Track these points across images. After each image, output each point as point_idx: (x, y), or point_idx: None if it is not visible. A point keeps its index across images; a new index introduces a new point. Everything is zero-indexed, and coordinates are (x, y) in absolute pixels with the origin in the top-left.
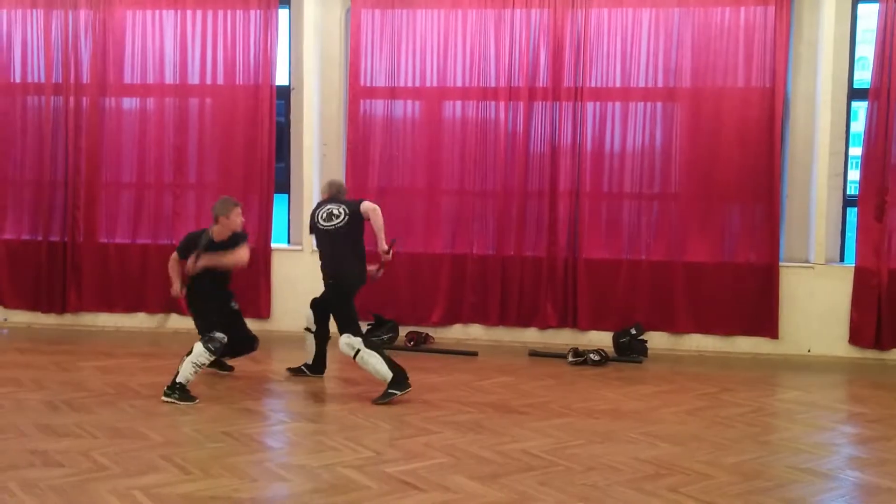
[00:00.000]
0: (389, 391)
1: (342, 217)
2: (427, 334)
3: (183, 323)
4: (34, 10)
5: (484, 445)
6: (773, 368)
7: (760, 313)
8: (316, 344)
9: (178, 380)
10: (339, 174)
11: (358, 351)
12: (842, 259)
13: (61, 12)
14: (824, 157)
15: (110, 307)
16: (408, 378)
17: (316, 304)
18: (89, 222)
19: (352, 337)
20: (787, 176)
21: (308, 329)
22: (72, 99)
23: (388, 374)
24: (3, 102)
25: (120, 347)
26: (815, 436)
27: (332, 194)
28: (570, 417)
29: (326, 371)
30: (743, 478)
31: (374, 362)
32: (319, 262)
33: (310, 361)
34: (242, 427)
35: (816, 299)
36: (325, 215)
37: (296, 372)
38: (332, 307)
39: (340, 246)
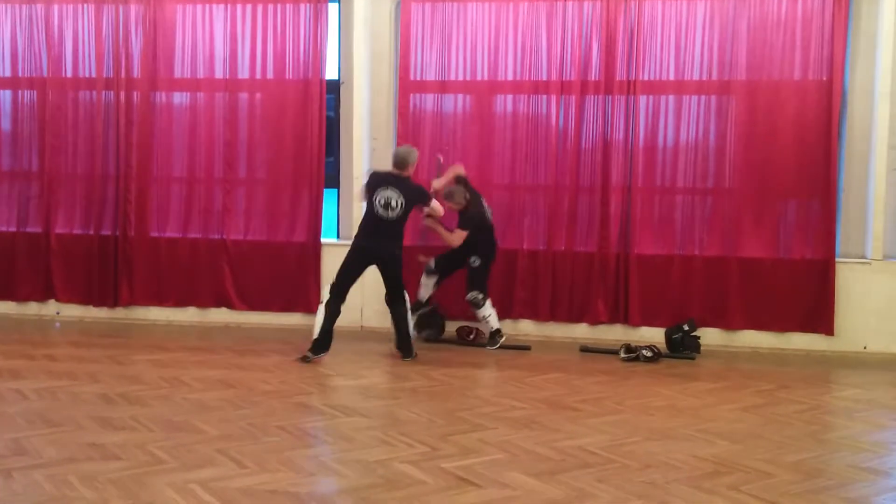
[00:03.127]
0: (308, 351)
1: (398, 209)
2: (477, 329)
3: (232, 317)
4: (85, 5)
5: (539, 442)
6: (828, 365)
7: (816, 310)
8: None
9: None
10: (388, 168)
11: (321, 302)
12: None
13: (112, 7)
14: (882, 152)
15: (161, 301)
16: (324, 351)
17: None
18: (140, 216)
19: (327, 291)
20: (843, 171)
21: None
22: (122, 94)
23: (314, 336)
24: (54, 97)
25: (172, 341)
26: (875, 434)
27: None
28: (624, 414)
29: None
30: (804, 476)
31: (318, 320)
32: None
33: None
34: (297, 421)
35: (873, 295)
36: (382, 202)
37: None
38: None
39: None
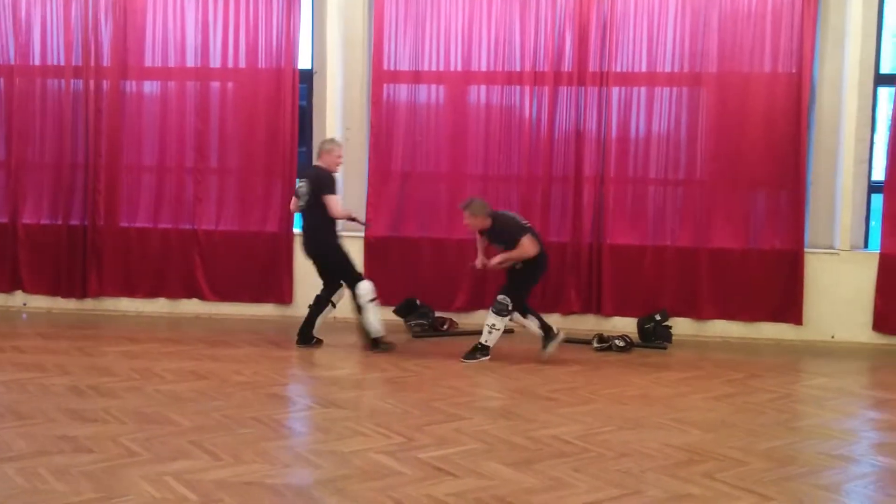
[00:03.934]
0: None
1: (305, 196)
2: (451, 319)
3: (203, 308)
4: None
5: (515, 431)
6: (797, 355)
7: (785, 299)
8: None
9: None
10: (362, 159)
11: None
12: (866, 245)
13: None
14: (850, 144)
15: (131, 292)
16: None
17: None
18: (110, 206)
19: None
20: (812, 162)
21: None
22: (92, 82)
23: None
24: (22, 85)
25: (142, 332)
26: (845, 422)
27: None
28: (598, 403)
29: (348, 356)
30: (776, 464)
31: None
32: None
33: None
34: (271, 413)
35: (841, 286)
36: (296, 192)
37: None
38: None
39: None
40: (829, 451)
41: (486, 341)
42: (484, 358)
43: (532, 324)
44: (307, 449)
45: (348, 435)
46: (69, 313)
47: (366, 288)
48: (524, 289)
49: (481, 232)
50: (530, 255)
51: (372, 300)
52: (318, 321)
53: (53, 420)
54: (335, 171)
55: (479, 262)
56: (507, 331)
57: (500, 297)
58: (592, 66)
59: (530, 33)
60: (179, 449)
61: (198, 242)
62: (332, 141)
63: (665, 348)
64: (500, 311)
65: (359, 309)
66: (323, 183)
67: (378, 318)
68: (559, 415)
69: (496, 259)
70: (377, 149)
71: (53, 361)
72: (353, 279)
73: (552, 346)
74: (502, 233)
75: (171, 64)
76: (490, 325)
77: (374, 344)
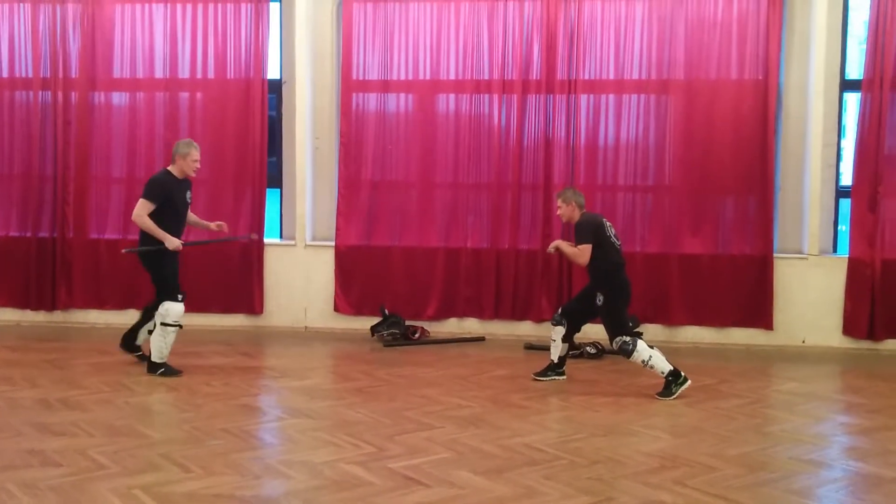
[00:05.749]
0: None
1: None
2: (422, 328)
3: None
4: (21, 4)
5: (486, 440)
6: (768, 359)
7: (755, 304)
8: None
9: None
10: (331, 168)
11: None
12: (835, 250)
13: (49, 6)
14: (817, 149)
15: (101, 304)
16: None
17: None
18: (79, 218)
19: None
20: (780, 168)
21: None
22: (60, 94)
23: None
24: None
25: (112, 345)
26: (816, 426)
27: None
28: (570, 411)
29: (319, 366)
30: (747, 470)
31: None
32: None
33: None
34: (241, 424)
35: (810, 290)
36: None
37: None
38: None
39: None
40: (800, 455)
41: (662, 372)
42: (682, 387)
43: (558, 349)
44: (278, 460)
45: (319, 445)
46: (38, 326)
47: (173, 310)
48: (619, 317)
49: (571, 222)
50: (577, 262)
51: (173, 325)
52: (142, 333)
53: (22, 434)
54: (191, 176)
55: (552, 245)
56: (479, 338)
57: (617, 345)
58: (560, 74)
59: (498, 42)
60: (149, 462)
61: None
62: (188, 143)
63: None
64: (629, 350)
65: (147, 316)
66: (145, 186)
67: (169, 344)
68: (531, 422)
69: (553, 244)
70: (347, 158)
71: (22, 374)
72: (165, 294)
73: (548, 380)
74: (576, 229)
75: (140, 75)
76: (643, 362)
77: (153, 367)
